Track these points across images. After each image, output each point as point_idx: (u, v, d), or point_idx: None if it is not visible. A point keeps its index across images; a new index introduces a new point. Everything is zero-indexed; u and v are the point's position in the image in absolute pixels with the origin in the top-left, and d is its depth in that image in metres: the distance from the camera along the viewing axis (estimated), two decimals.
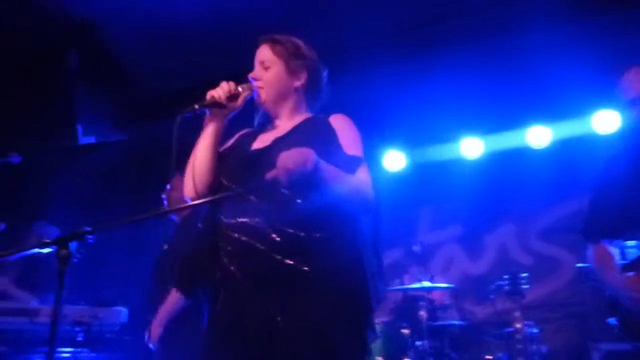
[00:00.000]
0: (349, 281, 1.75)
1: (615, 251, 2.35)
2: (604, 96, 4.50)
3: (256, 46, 2.03)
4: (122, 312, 4.37)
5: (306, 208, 1.74)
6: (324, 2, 4.27)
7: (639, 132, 2.36)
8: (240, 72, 2.02)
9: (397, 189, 5.53)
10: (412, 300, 4.60)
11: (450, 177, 5.43)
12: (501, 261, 5.19)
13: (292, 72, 1.99)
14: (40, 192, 4.47)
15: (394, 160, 5.60)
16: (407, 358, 4.21)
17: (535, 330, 4.07)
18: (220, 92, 1.88)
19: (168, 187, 3.95)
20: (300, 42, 2.03)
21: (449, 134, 5.34)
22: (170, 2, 4.31)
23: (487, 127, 5.26)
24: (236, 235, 1.78)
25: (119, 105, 5.21)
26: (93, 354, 3.71)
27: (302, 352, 1.66)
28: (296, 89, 2.00)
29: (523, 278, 3.91)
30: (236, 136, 2.06)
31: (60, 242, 1.67)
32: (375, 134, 5.19)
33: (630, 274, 2.20)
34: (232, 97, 1.90)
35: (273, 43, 2.00)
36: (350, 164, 1.81)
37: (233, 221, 1.80)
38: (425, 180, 5.50)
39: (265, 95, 1.96)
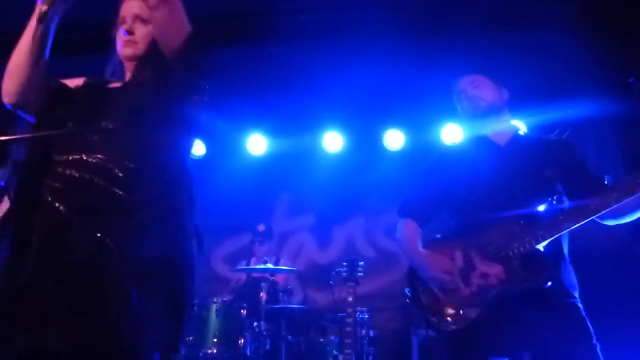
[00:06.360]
0: (180, 221, 1.75)
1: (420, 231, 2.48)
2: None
3: None
4: None
5: (146, 141, 1.74)
6: None
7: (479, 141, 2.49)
8: None
9: (257, 173, 5.60)
10: (254, 281, 4.64)
11: (309, 168, 5.60)
12: (347, 252, 5.41)
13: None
14: None
15: (257, 144, 5.64)
16: (243, 339, 4.24)
17: (365, 316, 4.30)
18: None
19: None
20: None
21: (313, 127, 5.50)
22: None
23: (350, 124, 5.48)
24: (69, 172, 1.68)
25: None
26: None
27: (130, 281, 1.60)
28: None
29: (360, 266, 4.06)
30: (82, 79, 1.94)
31: None
32: (239, 116, 5.21)
33: (434, 251, 2.37)
34: None
35: None
36: None
37: (66, 157, 1.71)
38: (285, 168, 5.61)
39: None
